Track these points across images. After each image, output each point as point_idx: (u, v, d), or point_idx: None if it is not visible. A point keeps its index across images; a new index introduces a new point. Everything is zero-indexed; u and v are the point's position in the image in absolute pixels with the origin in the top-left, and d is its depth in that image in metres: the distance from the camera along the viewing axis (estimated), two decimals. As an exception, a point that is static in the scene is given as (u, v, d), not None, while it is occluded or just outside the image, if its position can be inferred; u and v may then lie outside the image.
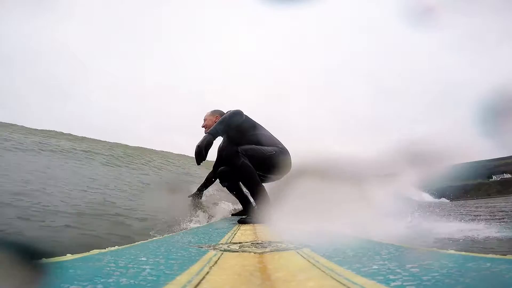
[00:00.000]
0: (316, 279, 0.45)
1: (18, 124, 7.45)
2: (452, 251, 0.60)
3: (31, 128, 7.30)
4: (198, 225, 1.98)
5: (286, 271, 0.51)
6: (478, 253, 0.57)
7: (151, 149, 8.59)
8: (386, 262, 0.52)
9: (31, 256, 0.40)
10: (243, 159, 1.94)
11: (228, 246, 0.79)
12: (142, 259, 0.60)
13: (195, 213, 2.28)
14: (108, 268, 0.51)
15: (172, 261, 0.58)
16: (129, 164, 5.22)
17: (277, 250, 0.69)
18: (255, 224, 1.58)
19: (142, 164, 5.62)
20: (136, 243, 0.88)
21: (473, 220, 2.50)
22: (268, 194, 1.94)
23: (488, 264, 0.47)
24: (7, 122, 7.67)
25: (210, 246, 0.80)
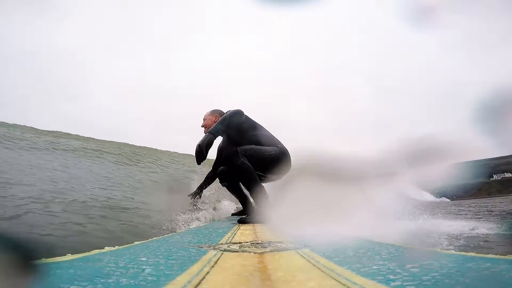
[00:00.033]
0: (316, 279, 0.45)
1: (27, 125, 7.55)
2: (452, 251, 0.60)
3: (39, 129, 7.40)
4: (198, 225, 1.98)
5: (286, 271, 0.51)
6: (478, 253, 0.57)
7: (156, 149, 8.72)
8: (386, 262, 0.52)
9: (38, 254, 0.40)
10: (242, 159, 1.94)
11: (228, 246, 0.79)
12: (142, 259, 0.60)
13: (195, 213, 2.28)
14: (108, 268, 0.51)
15: (172, 261, 0.58)
16: (138, 162, 5.35)
17: (277, 250, 0.69)
18: (255, 224, 1.58)
19: (150, 162, 5.74)
20: (136, 243, 0.88)
21: (473, 219, 2.50)
22: (268, 194, 1.94)
23: (488, 264, 0.47)
24: (17, 123, 7.76)
25: (210, 246, 0.80)
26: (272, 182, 2.17)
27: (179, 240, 0.96)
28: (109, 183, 3.22)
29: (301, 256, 0.62)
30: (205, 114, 2.43)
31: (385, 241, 0.77)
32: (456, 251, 0.59)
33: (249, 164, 1.94)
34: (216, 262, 0.56)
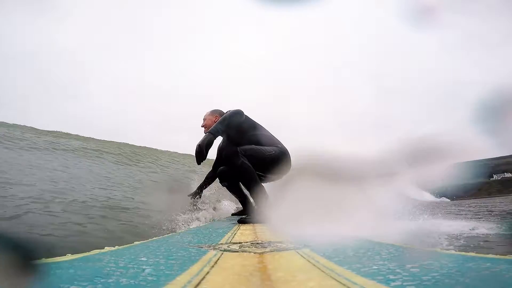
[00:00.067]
0: (316, 279, 0.45)
1: (27, 125, 7.56)
2: (452, 251, 0.60)
3: (39, 129, 7.41)
4: (198, 225, 1.98)
5: (286, 271, 0.51)
6: (478, 253, 0.57)
7: (156, 149, 8.73)
8: (386, 262, 0.52)
9: (37, 253, 0.40)
10: (242, 159, 1.94)
11: (228, 246, 0.79)
12: (142, 259, 0.60)
13: (195, 213, 2.28)
14: (108, 268, 0.51)
15: (172, 261, 0.58)
16: (137, 162, 5.36)
17: (277, 250, 0.69)
18: (255, 224, 1.58)
19: (150, 162, 5.74)
20: (136, 243, 0.88)
21: (473, 219, 2.50)
22: (268, 194, 1.94)
23: (488, 264, 0.47)
24: (17, 123, 7.77)
25: (210, 246, 0.80)
26: (272, 182, 2.17)
27: (179, 240, 0.96)
28: (109, 183, 3.22)
29: (301, 256, 0.62)
30: (205, 114, 2.43)
31: (385, 241, 0.77)
32: (456, 251, 0.59)
33: (249, 164, 1.94)
34: (216, 262, 0.56)
